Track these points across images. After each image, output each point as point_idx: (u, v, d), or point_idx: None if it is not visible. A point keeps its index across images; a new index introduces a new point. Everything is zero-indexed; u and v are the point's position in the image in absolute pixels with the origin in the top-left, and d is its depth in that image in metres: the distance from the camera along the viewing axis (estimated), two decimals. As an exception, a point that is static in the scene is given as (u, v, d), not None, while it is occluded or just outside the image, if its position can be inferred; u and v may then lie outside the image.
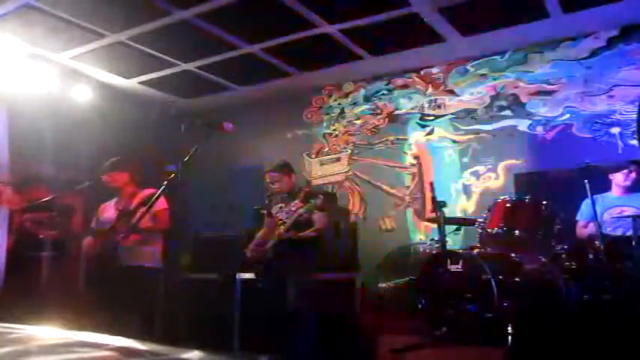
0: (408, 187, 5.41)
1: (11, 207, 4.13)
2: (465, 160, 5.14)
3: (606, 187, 3.93)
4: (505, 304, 2.90)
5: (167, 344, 1.13)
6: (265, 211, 3.96)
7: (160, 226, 3.72)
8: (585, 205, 3.82)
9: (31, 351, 1.16)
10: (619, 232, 3.56)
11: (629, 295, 2.97)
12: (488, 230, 3.49)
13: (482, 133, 5.09)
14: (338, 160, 5.90)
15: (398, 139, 5.56)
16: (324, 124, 6.06)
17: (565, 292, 3.08)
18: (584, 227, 3.85)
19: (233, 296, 4.29)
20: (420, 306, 3.34)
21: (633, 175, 3.79)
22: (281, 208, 3.69)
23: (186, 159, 2.90)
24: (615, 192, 3.90)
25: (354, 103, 5.90)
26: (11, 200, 4.14)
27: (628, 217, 3.33)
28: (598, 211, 3.39)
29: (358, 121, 5.84)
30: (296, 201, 3.54)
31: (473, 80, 5.22)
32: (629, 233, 3.25)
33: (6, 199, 4.05)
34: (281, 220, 3.58)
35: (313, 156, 6.04)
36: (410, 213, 5.34)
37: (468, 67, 5.26)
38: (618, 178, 3.85)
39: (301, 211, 3.45)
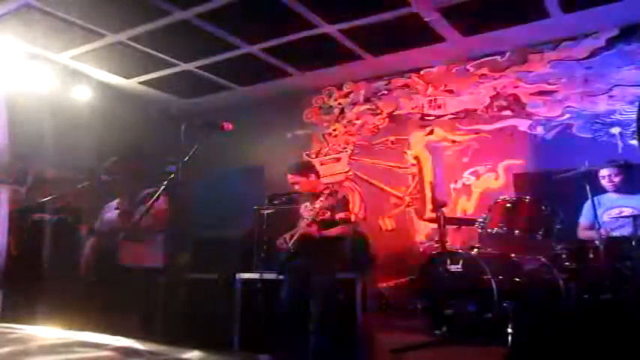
0: (408, 187, 5.41)
1: (11, 207, 4.12)
2: (465, 160, 5.14)
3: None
4: (505, 304, 2.90)
5: (167, 344, 1.13)
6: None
7: (159, 226, 3.71)
8: (586, 207, 3.80)
9: (31, 351, 1.16)
10: (618, 233, 3.55)
11: (629, 295, 2.97)
12: (489, 230, 3.49)
13: (482, 133, 5.09)
14: (338, 160, 5.90)
15: (398, 139, 5.56)
16: (324, 124, 6.06)
17: (565, 292, 3.08)
18: (586, 229, 3.83)
19: (233, 296, 4.29)
20: (420, 306, 3.34)
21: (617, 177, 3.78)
22: (306, 206, 3.79)
23: (186, 159, 2.91)
24: (613, 193, 3.89)
25: (354, 103, 5.90)
26: (11, 200, 4.14)
27: (628, 217, 3.33)
28: (598, 211, 3.39)
29: (358, 121, 5.84)
30: (321, 199, 3.59)
31: (473, 80, 5.22)
32: (629, 233, 3.25)
33: (6, 198, 4.04)
34: (305, 218, 3.68)
35: (313, 156, 6.03)
36: (410, 213, 5.34)
37: (468, 67, 5.26)
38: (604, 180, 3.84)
39: (317, 207, 3.54)
